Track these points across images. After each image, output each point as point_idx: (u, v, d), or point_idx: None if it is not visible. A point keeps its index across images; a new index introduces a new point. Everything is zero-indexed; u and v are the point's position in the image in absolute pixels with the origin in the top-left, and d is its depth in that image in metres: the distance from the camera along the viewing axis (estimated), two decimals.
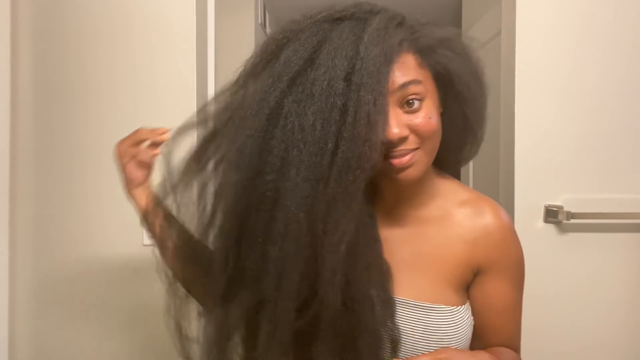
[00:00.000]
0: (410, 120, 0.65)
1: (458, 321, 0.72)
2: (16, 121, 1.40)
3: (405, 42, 0.66)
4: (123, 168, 0.88)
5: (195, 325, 0.74)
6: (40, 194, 1.41)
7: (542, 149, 1.42)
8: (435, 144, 0.69)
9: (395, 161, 0.66)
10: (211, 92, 1.50)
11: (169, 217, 0.81)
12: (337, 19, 0.65)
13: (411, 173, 0.67)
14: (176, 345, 0.74)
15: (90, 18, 1.39)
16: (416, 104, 0.65)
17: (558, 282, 1.41)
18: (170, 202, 0.75)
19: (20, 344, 1.42)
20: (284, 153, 0.61)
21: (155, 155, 0.85)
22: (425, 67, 0.67)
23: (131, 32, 1.38)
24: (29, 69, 1.41)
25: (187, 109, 1.37)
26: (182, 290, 0.76)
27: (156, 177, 0.83)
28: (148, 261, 1.37)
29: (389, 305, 0.69)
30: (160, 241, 0.84)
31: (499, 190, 1.56)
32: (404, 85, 0.64)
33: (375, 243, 0.72)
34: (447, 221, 0.75)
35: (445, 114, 0.72)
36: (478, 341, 0.77)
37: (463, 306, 0.74)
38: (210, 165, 0.71)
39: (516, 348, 0.80)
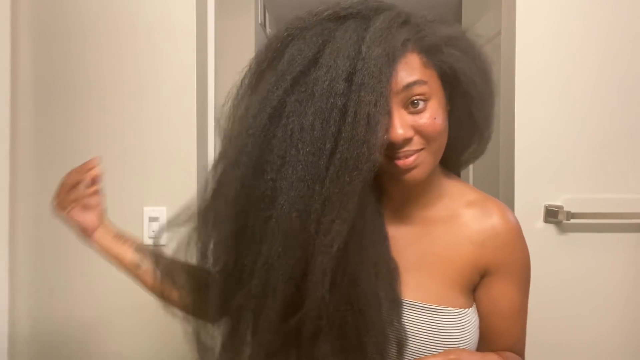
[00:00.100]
0: (415, 121, 0.65)
1: (465, 324, 0.71)
2: (16, 121, 1.40)
3: (409, 41, 0.64)
4: (69, 219, 0.86)
5: (213, 332, 0.74)
6: (40, 194, 1.41)
7: (542, 149, 1.42)
8: (440, 145, 0.69)
9: (400, 162, 0.65)
10: (211, 92, 1.50)
11: (158, 256, 0.82)
12: (342, 17, 0.64)
13: (416, 174, 0.67)
14: (195, 353, 0.75)
15: (90, 18, 1.39)
16: (421, 104, 0.65)
17: (558, 282, 1.41)
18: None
19: (20, 342, 1.42)
20: (284, 152, 0.61)
21: (95, 192, 0.85)
22: (430, 67, 0.66)
23: (131, 32, 1.38)
24: (29, 69, 1.41)
25: (187, 108, 1.38)
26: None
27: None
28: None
29: (396, 304, 0.68)
30: (156, 284, 0.83)
31: (499, 190, 1.56)
32: (408, 85, 0.63)
33: (383, 241, 0.71)
34: (454, 222, 0.74)
35: (452, 113, 0.71)
36: (482, 345, 0.76)
37: (470, 309, 0.73)
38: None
39: (521, 353, 0.79)
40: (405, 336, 0.68)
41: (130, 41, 1.38)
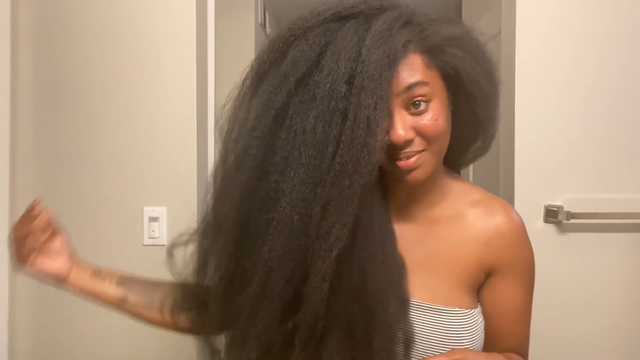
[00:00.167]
0: (416, 122, 0.64)
1: (472, 324, 0.70)
2: (16, 121, 1.40)
3: (411, 42, 0.64)
4: (34, 272, 0.80)
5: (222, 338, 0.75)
6: (40, 194, 1.41)
7: (542, 149, 1.42)
8: (442, 145, 0.68)
9: (401, 163, 0.65)
10: (211, 92, 1.50)
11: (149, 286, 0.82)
12: (344, 17, 0.63)
13: (418, 175, 0.66)
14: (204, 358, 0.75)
15: (90, 18, 1.39)
16: (422, 105, 0.64)
17: (558, 282, 1.41)
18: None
19: (20, 343, 1.42)
20: (287, 154, 0.61)
21: (54, 235, 0.80)
22: (433, 68, 0.66)
23: (131, 32, 1.38)
24: (29, 69, 1.41)
25: (187, 108, 1.38)
26: None
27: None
28: (148, 261, 1.38)
29: (404, 302, 0.68)
30: (151, 313, 0.82)
31: (499, 190, 1.56)
32: (410, 87, 0.63)
33: (391, 238, 0.70)
34: (459, 221, 0.74)
35: (455, 113, 0.71)
36: (487, 345, 0.75)
37: (476, 309, 0.72)
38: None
39: (524, 354, 0.79)
40: (413, 334, 0.68)
41: (130, 41, 1.38)
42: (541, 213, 1.42)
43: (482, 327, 0.73)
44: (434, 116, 0.65)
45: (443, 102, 0.67)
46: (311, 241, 0.60)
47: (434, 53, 0.66)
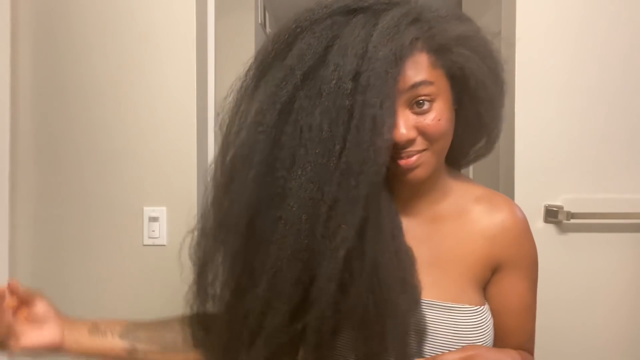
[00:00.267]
0: (419, 122, 0.64)
1: (482, 321, 0.70)
2: (16, 121, 1.40)
3: (418, 40, 0.62)
4: (24, 348, 0.69)
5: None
6: (40, 194, 1.41)
7: (542, 149, 1.42)
8: (444, 145, 0.68)
9: (402, 162, 0.64)
10: (211, 92, 1.50)
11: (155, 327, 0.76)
12: (352, 11, 0.62)
13: (418, 174, 0.66)
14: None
15: (89, 18, 1.39)
16: (426, 105, 0.63)
17: (558, 282, 1.41)
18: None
19: None
20: (293, 150, 0.60)
21: (26, 304, 0.69)
22: (439, 67, 0.65)
23: (131, 32, 1.38)
24: (29, 69, 1.41)
25: (187, 108, 1.38)
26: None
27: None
28: (148, 261, 1.38)
29: (416, 292, 0.66)
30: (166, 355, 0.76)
31: (499, 190, 1.56)
32: (414, 85, 0.62)
33: (400, 229, 0.69)
34: (463, 218, 0.73)
35: (459, 113, 0.70)
36: (495, 343, 0.74)
37: (485, 306, 0.72)
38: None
39: (531, 351, 0.78)
40: (425, 324, 0.67)
41: (130, 41, 1.38)
42: (541, 213, 1.42)
43: (492, 324, 0.72)
44: (437, 116, 0.64)
45: (447, 102, 0.66)
46: (317, 242, 0.59)
47: (440, 52, 0.64)
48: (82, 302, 1.40)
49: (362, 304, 0.62)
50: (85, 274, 1.40)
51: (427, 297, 0.69)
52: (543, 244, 1.42)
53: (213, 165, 0.70)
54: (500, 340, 0.74)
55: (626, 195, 1.40)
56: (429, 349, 0.68)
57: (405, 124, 0.63)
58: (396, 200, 0.73)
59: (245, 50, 2.22)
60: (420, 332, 0.66)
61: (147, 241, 1.38)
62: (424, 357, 0.67)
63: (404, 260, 0.66)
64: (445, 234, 0.73)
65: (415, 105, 0.63)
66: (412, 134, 0.63)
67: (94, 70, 1.39)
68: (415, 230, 0.72)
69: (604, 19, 1.40)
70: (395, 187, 0.73)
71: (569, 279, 1.42)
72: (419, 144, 0.64)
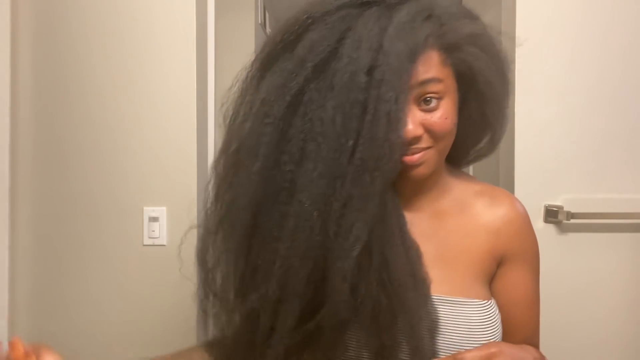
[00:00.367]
0: (426, 119, 0.63)
1: (491, 315, 0.69)
2: (16, 121, 1.40)
3: (431, 37, 0.62)
4: None
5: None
6: (40, 194, 1.41)
7: (542, 149, 1.42)
8: (448, 144, 0.67)
9: (407, 158, 0.64)
10: (211, 92, 1.50)
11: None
12: (365, 3, 0.61)
13: (421, 171, 0.65)
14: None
15: (89, 18, 1.39)
16: (434, 102, 0.63)
17: (558, 282, 1.41)
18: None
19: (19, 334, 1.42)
20: (302, 144, 0.59)
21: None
22: (448, 65, 0.64)
23: (131, 32, 1.38)
24: (29, 69, 1.41)
25: (187, 108, 1.38)
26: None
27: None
28: (148, 261, 1.38)
29: (425, 285, 0.66)
30: None
31: None
32: (424, 82, 0.62)
33: (405, 223, 0.68)
34: (465, 213, 0.73)
35: (464, 111, 0.70)
36: (503, 338, 0.73)
37: (492, 300, 0.72)
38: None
39: (537, 345, 0.78)
40: (437, 318, 0.66)
41: (130, 41, 1.38)
42: (541, 213, 1.42)
43: (500, 319, 0.72)
44: (444, 114, 0.64)
45: (453, 101, 0.66)
46: (330, 240, 0.58)
47: (451, 50, 0.64)
48: (82, 303, 1.40)
49: (372, 299, 0.61)
50: (85, 273, 1.40)
51: (436, 292, 0.67)
52: (543, 244, 1.42)
53: (216, 159, 0.68)
54: (508, 334, 0.74)
55: (626, 195, 1.40)
56: (440, 344, 0.67)
57: (412, 121, 0.62)
58: (400, 195, 0.72)
59: (245, 50, 2.21)
60: (433, 327, 0.66)
61: (147, 241, 1.38)
62: (436, 352, 0.66)
63: (412, 255, 0.66)
64: (449, 229, 0.73)
65: (423, 102, 0.63)
66: (419, 130, 0.63)
67: (94, 70, 1.39)
68: (419, 226, 0.71)
69: (604, 19, 1.40)
70: (397, 184, 0.72)
71: (569, 279, 1.41)
72: (425, 141, 0.64)
